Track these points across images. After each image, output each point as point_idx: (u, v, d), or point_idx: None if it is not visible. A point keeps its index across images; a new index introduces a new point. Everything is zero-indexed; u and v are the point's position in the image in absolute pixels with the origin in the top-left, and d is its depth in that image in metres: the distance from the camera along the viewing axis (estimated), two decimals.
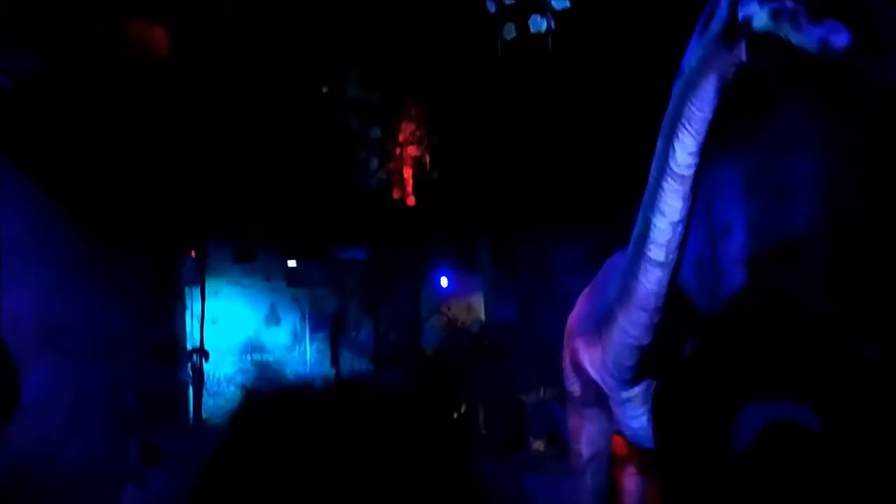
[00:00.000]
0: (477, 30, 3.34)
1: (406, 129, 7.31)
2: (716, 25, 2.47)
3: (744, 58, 2.41)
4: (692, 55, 2.65)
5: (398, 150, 7.37)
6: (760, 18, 2.25)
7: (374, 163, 7.27)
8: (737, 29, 2.36)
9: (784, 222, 6.07)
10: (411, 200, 7.47)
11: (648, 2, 4.93)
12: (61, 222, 6.81)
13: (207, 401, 11.94)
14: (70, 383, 6.77)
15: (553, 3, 3.11)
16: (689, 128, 2.70)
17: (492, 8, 3.22)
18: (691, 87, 2.64)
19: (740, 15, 2.32)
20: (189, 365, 11.35)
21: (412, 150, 7.37)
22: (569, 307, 4.63)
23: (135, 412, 8.49)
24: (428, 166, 7.47)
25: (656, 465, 4.43)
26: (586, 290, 4.47)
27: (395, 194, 7.44)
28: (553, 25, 3.10)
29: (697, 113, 2.66)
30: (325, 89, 6.45)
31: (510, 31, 3.19)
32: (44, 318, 6.36)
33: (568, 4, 3.10)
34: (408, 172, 7.41)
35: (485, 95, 6.34)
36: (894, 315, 4.58)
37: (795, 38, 2.18)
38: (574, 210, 8.81)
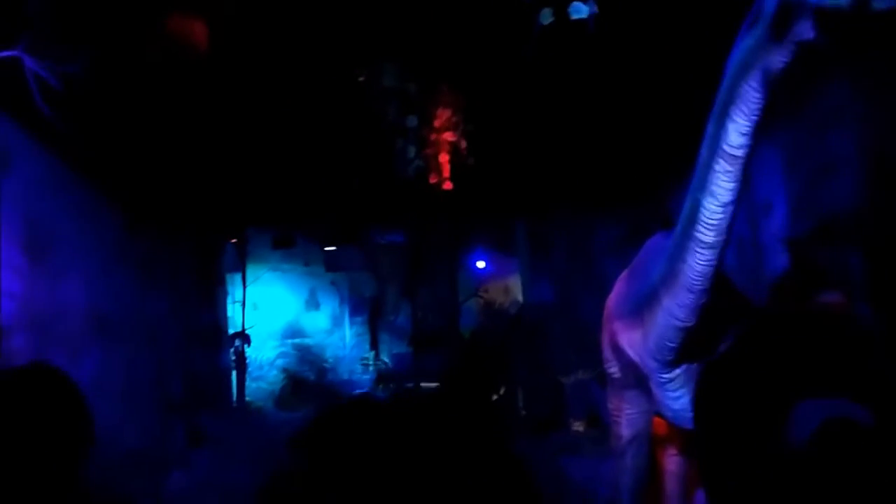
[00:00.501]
0: (512, 14, 3.34)
1: (442, 116, 7.33)
2: (778, 5, 2.41)
3: (808, 35, 2.35)
4: (749, 33, 2.61)
5: (434, 137, 7.40)
6: None
7: (412, 150, 7.31)
8: (799, 5, 2.31)
9: (827, 199, 5.98)
10: (448, 185, 7.51)
11: None
12: (107, 214, 6.96)
13: (250, 385, 12.15)
14: (120, 370, 6.94)
15: None
16: (743, 108, 2.66)
17: None
18: (749, 66, 2.60)
19: None
20: (232, 350, 11.55)
21: (448, 136, 7.40)
22: (606, 289, 4.63)
23: (180, 396, 8.66)
24: (464, 151, 7.50)
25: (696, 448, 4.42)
26: (625, 273, 4.47)
27: (433, 179, 7.48)
28: (596, 10, 3.07)
29: (754, 93, 2.62)
30: (361, 79, 6.49)
31: (547, 17, 3.17)
32: (93, 308, 6.52)
33: None
34: (444, 158, 7.45)
35: (520, 79, 6.32)
36: None
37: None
38: (611, 192, 8.76)
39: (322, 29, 5.71)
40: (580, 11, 3.08)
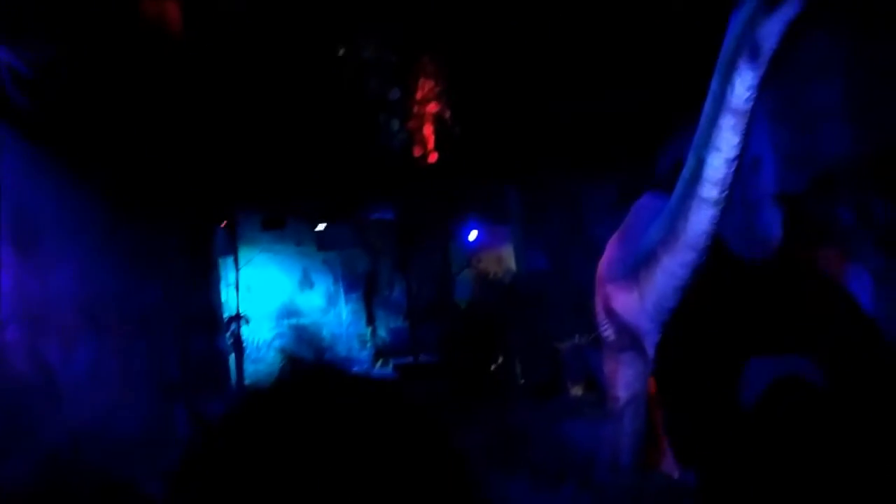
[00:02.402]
0: None
1: (424, 87, 7.28)
2: None
3: (796, 9, 2.34)
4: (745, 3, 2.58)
5: (417, 109, 7.35)
6: None
7: (395, 123, 7.27)
8: None
9: (816, 152, 5.98)
10: (434, 157, 7.48)
11: None
12: (94, 202, 6.92)
13: (248, 367, 12.18)
14: (114, 357, 6.95)
15: None
16: (754, 58, 2.64)
17: None
18: (758, 16, 2.57)
19: None
20: (229, 333, 11.56)
21: (432, 108, 7.35)
22: (599, 253, 4.63)
23: (179, 381, 8.68)
24: (449, 122, 7.46)
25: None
26: (615, 236, 4.47)
27: (417, 152, 7.45)
28: None
29: (764, 44, 2.60)
30: (341, 53, 6.42)
31: None
32: (85, 297, 6.51)
33: None
34: (428, 129, 7.41)
35: (503, 45, 6.27)
36: None
37: None
38: (600, 155, 8.74)
39: (300, 4, 5.64)
40: None
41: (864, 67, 5.38)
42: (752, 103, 2.73)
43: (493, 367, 10.21)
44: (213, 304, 11.30)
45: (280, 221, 12.36)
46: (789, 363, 1.12)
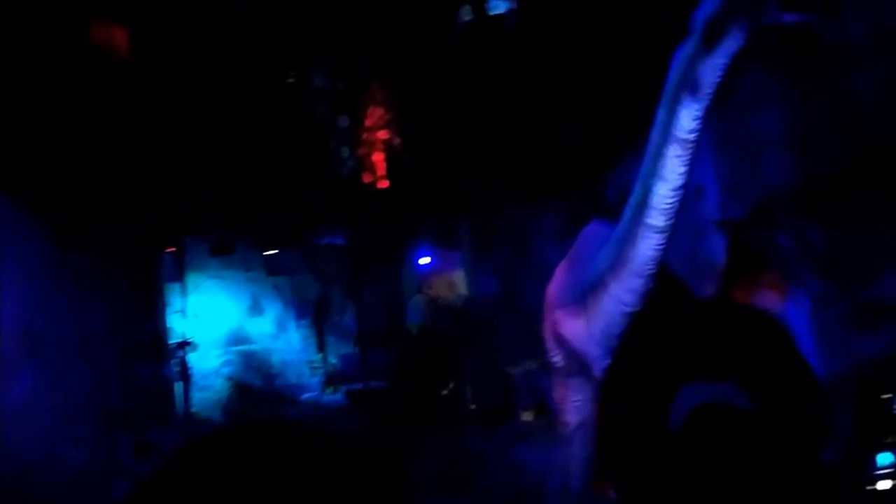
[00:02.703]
0: (438, 11, 3.34)
1: (374, 114, 7.33)
2: None
3: (774, 17, 2.40)
4: (704, 17, 2.65)
5: (367, 136, 7.39)
6: None
7: (345, 151, 7.29)
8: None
9: (756, 180, 6.14)
10: (384, 183, 7.51)
11: None
12: (36, 227, 6.78)
13: (195, 394, 11.96)
14: (55, 387, 6.78)
15: None
16: (697, 91, 2.72)
17: None
18: (701, 52, 2.65)
19: None
20: (175, 361, 11.36)
21: (381, 135, 7.40)
22: (549, 278, 4.68)
23: (123, 410, 8.50)
24: (398, 149, 7.50)
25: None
26: (563, 262, 4.51)
27: (367, 179, 7.47)
28: (514, 5, 3.11)
29: (706, 78, 2.68)
30: (290, 80, 6.42)
31: (467, 13, 3.19)
32: (27, 328, 6.36)
33: None
34: (378, 156, 7.45)
35: (452, 74, 6.34)
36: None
37: None
38: (548, 181, 8.85)
39: (249, 31, 5.64)
40: (497, 7, 3.12)
41: (802, 99, 5.56)
42: (696, 134, 2.81)
43: (444, 393, 10.19)
44: (159, 331, 11.10)
45: (229, 247, 12.23)
46: (716, 389, 1.16)
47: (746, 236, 6.24)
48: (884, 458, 3.86)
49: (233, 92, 6.59)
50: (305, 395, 13.09)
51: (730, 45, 2.56)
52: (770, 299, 5.82)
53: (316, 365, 13.57)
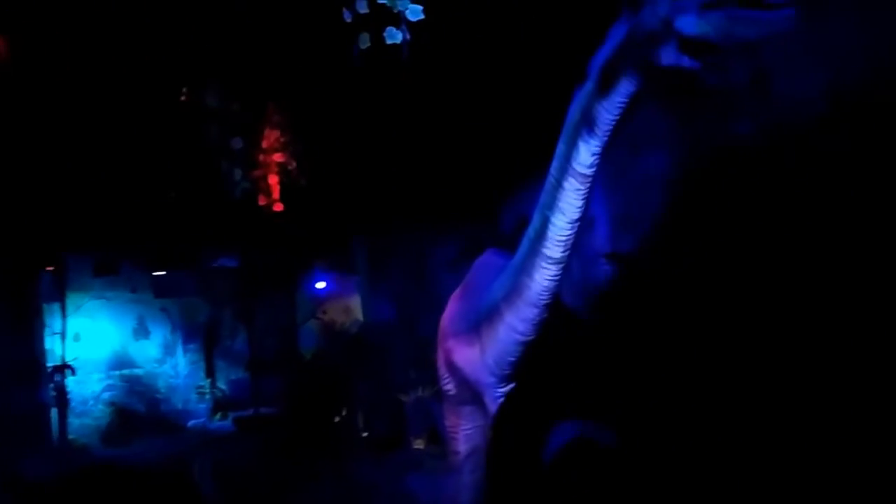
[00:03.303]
0: (337, 36, 3.33)
1: (270, 137, 7.25)
2: (640, 34, 2.54)
3: (669, 61, 2.49)
4: (602, 60, 2.73)
5: (263, 158, 7.30)
6: (697, 25, 2.33)
7: (238, 173, 7.17)
8: (664, 34, 2.44)
9: (644, 214, 6.36)
10: (278, 207, 7.42)
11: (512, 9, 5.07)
12: None
13: (73, 421, 11.44)
14: None
15: (408, 14, 3.15)
16: (595, 129, 2.81)
17: (347, 17, 3.23)
18: (602, 89, 2.73)
19: (676, 24, 2.38)
20: (52, 385, 10.83)
21: (277, 157, 7.32)
22: (443, 305, 4.69)
23: None
24: (295, 172, 7.44)
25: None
26: (458, 291, 4.54)
27: (261, 201, 7.37)
28: (409, 37, 3.15)
29: (606, 116, 2.77)
30: (182, 97, 6.27)
31: (365, 41, 3.21)
32: None
33: (422, 15, 3.14)
34: (273, 179, 7.36)
35: (351, 99, 6.34)
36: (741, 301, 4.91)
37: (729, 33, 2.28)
38: (445, 209, 8.93)
39: (142, 45, 5.47)
40: (394, 37, 3.14)
41: (687, 139, 5.82)
42: (594, 169, 2.90)
43: (336, 420, 10.05)
44: (36, 353, 10.55)
45: (114, 266, 11.78)
46: (586, 427, 1.20)
47: (634, 268, 6.44)
48: None
49: (122, 105, 6.37)
50: (192, 422, 12.68)
51: (626, 86, 2.67)
52: (658, 331, 6.02)
53: (203, 390, 13.17)
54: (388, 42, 3.13)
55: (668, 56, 2.49)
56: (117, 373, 12.72)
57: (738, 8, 2.23)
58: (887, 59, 4.37)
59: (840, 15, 4.58)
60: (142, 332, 13.06)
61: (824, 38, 4.61)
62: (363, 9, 3.17)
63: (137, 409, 12.60)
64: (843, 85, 4.66)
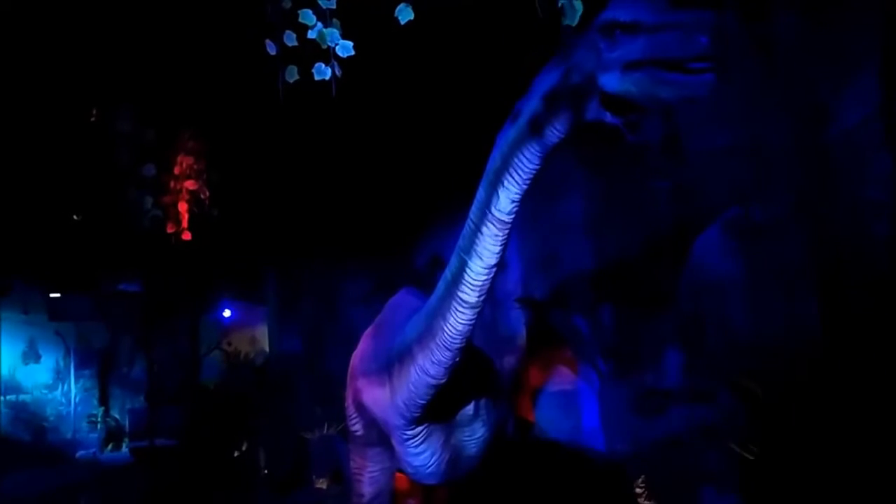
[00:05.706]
0: (260, 68, 3.27)
1: (182, 164, 7.09)
2: (566, 86, 2.58)
3: (592, 116, 2.54)
4: (532, 107, 2.76)
5: (174, 185, 7.13)
6: (620, 83, 2.40)
7: (148, 201, 6.97)
8: (588, 89, 2.50)
9: (556, 260, 6.48)
10: (187, 235, 7.23)
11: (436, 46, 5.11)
12: None
13: None
14: None
15: (338, 50, 3.12)
16: (516, 177, 2.82)
17: (272, 50, 3.17)
18: (524, 139, 2.75)
19: (600, 81, 2.45)
20: None
21: (189, 185, 7.16)
22: (354, 341, 4.62)
23: None
24: (206, 200, 7.28)
25: (437, 499, 4.52)
26: (370, 330, 4.48)
27: (170, 229, 7.17)
28: (339, 73, 3.11)
29: (528, 164, 2.79)
30: (92, 119, 6.06)
31: (293, 74, 3.15)
32: None
33: (353, 52, 3.11)
34: (183, 207, 7.19)
35: (268, 130, 6.26)
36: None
37: (661, 92, 2.35)
38: (358, 244, 8.88)
39: (54, 63, 5.26)
40: (323, 73, 3.10)
41: (600, 189, 5.97)
42: (513, 215, 2.92)
43: (235, 455, 9.73)
44: None
45: (5, 286, 11.19)
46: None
47: (545, 313, 6.53)
48: None
49: (29, 123, 6.11)
50: (80, 453, 12.06)
51: (550, 137, 2.70)
52: (564, 376, 6.10)
53: (95, 419, 12.59)
54: (317, 78, 3.09)
55: (591, 111, 2.56)
56: (1, 398, 12.04)
57: (662, 70, 2.31)
58: (787, 119, 4.60)
59: (745, 78, 4.81)
60: (32, 355, 12.42)
61: (731, 102, 4.82)
62: (291, 42, 3.12)
63: (22, 438, 11.93)
64: (746, 145, 4.88)
